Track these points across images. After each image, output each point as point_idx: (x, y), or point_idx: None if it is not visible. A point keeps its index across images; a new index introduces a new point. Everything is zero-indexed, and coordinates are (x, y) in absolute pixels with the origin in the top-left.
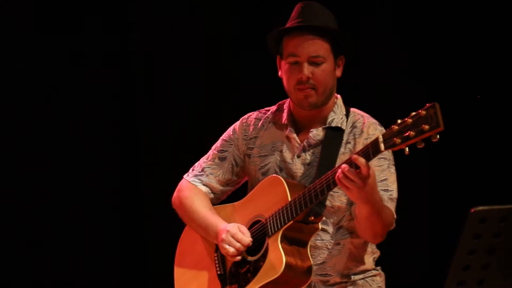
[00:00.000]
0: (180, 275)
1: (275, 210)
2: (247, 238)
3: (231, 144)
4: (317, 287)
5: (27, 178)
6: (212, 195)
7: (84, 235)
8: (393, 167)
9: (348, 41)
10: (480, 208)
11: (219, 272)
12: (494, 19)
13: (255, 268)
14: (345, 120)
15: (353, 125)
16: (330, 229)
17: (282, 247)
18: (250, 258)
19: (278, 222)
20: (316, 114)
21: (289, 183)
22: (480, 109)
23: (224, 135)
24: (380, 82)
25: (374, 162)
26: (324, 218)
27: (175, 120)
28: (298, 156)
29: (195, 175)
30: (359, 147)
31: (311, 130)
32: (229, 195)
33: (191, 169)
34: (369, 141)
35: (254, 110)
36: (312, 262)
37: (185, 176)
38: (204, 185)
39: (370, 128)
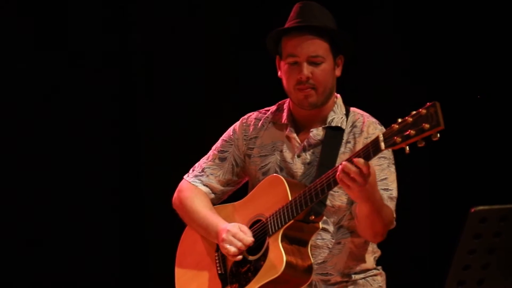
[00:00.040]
0: (181, 275)
1: (275, 209)
2: (248, 237)
3: (231, 145)
4: (318, 287)
5: (27, 178)
6: (212, 195)
7: (84, 235)
8: (393, 167)
9: (347, 41)
10: (480, 207)
11: (219, 272)
12: (494, 19)
13: (256, 268)
14: (345, 119)
15: (353, 125)
16: (331, 228)
17: (282, 246)
18: (250, 258)
19: (279, 221)
20: (316, 114)
21: (290, 183)
22: (480, 109)
23: (224, 136)
24: (379, 82)
25: (374, 162)
26: (324, 217)
27: (175, 120)
28: (299, 156)
29: (195, 176)
30: (359, 146)
31: (311, 129)
32: (230, 195)
33: (191, 169)
34: (369, 140)
35: (254, 110)
36: (312, 261)
37: (185, 176)
38: (204, 185)
39: (370, 127)
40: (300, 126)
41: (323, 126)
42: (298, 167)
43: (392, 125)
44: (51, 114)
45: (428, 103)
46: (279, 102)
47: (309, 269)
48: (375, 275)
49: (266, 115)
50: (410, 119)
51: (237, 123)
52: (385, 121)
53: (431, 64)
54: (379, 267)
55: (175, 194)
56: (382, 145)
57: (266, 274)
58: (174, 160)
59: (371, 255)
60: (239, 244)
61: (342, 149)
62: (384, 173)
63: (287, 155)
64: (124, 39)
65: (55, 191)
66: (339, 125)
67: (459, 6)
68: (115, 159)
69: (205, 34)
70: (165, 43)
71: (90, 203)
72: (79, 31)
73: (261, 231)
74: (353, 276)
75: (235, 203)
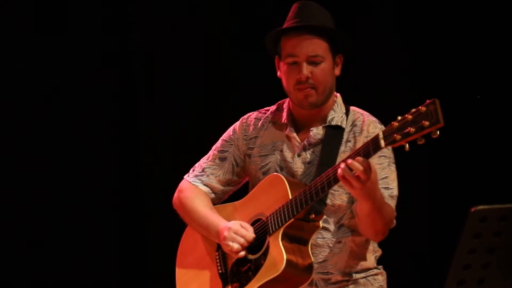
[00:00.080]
0: (182, 275)
1: (276, 208)
2: (250, 233)
3: (231, 144)
4: (319, 285)
5: (27, 178)
6: (213, 195)
7: (84, 235)
8: (394, 165)
9: (345, 40)
10: (481, 207)
11: (220, 271)
12: (494, 19)
13: (256, 267)
14: (345, 118)
15: (353, 124)
16: (331, 227)
17: (283, 245)
18: (251, 257)
19: (279, 220)
20: (316, 113)
21: (290, 182)
22: (480, 109)
23: (224, 136)
24: (379, 81)
25: (374, 160)
26: (325, 216)
27: (175, 120)
28: (299, 155)
29: (196, 176)
30: (360, 145)
31: (311, 129)
32: (230, 195)
33: (191, 169)
34: (369, 139)
35: (254, 110)
36: (313, 260)
37: (185, 176)
38: (204, 185)
39: (370, 126)
40: (300, 125)
41: (323, 125)
42: (298, 166)
43: (392, 122)
44: (51, 114)
45: (427, 101)
46: (279, 102)
47: (309, 268)
48: (376, 274)
49: (266, 115)
50: (410, 117)
51: (237, 123)
52: (384, 121)
53: (430, 63)
54: (380, 267)
55: (176, 194)
56: (382, 142)
57: (267, 273)
58: (174, 160)
59: (372, 254)
60: (242, 240)
61: (342, 148)
62: (385, 171)
63: (287, 154)
64: (124, 39)
65: (55, 191)
66: (339, 124)
67: (459, 6)
68: (115, 159)
69: (205, 34)
70: (165, 43)
71: (90, 203)
72: (79, 31)
73: (261, 230)
74: (354, 275)
75: (235, 202)
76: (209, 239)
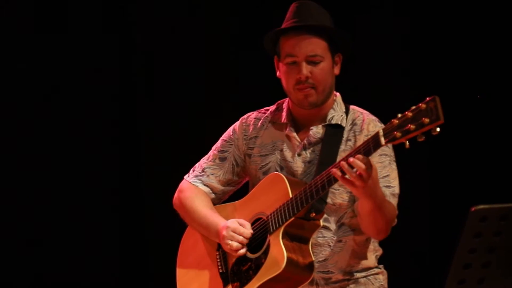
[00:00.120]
0: (182, 275)
1: (276, 207)
2: (248, 230)
3: (231, 144)
4: (319, 284)
5: (27, 178)
6: (213, 195)
7: (84, 235)
8: (394, 164)
9: (344, 39)
10: (481, 206)
11: (221, 271)
12: (494, 19)
13: (257, 265)
14: (345, 117)
15: (353, 122)
16: (332, 226)
17: (283, 244)
18: (251, 256)
19: (280, 219)
20: (316, 113)
21: (290, 180)
22: (480, 108)
23: (224, 136)
24: (378, 81)
25: (375, 159)
26: (325, 215)
27: (175, 120)
28: (299, 155)
29: (196, 176)
30: (360, 144)
31: (311, 128)
32: (230, 195)
33: (191, 169)
34: (369, 137)
35: (254, 110)
36: (313, 259)
37: (185, 176)
38: (204, 185)
39: (370, 125)
40: (299, 125)
41: (323, 124)
42: (298, 165)
43: (392, 120)
44: (51, 114)
45: (427, 98)
46: (278, 102)
47: (310, 267)
48: (377, 273)
49: (265, 115)
50: (410, 114)
51: (237, 123)
52: (384, 120)
53: (430, 63)
54: (381, 266)
55: (176, 195)
56: (382, 140)
57: (268, 272)
58: (174, 160)
59: (373, 253)
60: (240, 238)
61: (342, 147)
62: (386, 170)
63: (287, 154)
64: (124, 39)
65: (55, 191)
66: (339, 122)
67: (459, 5)
68: (115, 159)
69: (205, 34)
70: (165, 43)
71: (90, 203)
72: (79, 31)
73: (262, 229)
74: (354, 274)
75: (235, 202)
76: (209, 239)
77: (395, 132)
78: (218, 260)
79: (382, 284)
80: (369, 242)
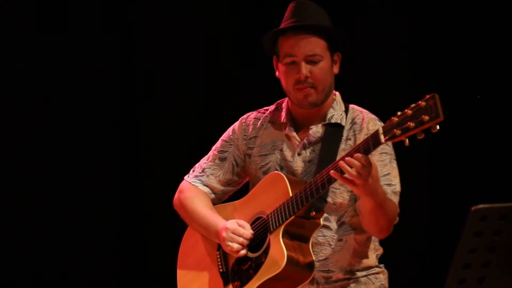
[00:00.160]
0: (183, 275)
1: (276, 206)
2: (248, 231)
3: (231, 145)
4: (320, 283)
5: (27, 178)
6: (213, 195)
7: (84, 235)
8: (395, 162)
9: (343, 37)
10: (481, 206)
11: (221, 270)
12: (494, 19)
13: (257, 265)
14: (345, 116)
15: (352, 121)
16: (333, 225)
17: (283, 242)
18: (252, 255)
19: (280, 218)
20: (316, 112)
21: (290, 179)
22: (480, 108)
23: (224, 136)
24: (377, 80)
25: (376, 157)
26: (326, 214)
27: (175, 120)
28: (299, 154)
29: (196, 176)
30: None
31: (311, 127)
32: (230, 195)
33: (191, 170)
34: (369, 135)
35: (254, 110)
36: (314, 258)
37: (185, 177)
38: (204, 185)
39: (370, 123)
40: (299, 124)
41: (322, 123)
42: (298, 165)
43: (392, 118)
44: (51, 114)
45: (427, 95)
46: (278, 102)
47: (310, 266)
48: (378, 273)
49: (265, 115)
50: (410, 112)
51: (237, 123)
52: (383, 119)
53: (429, 62)
54: (382, 265)
55: (176, 195)
56: (382, 138)
57: (268, 271)
58: (174, 160)
59: (373, 252)
60: (240, 239)
61: (342, 146)
62: (387, 168)
63: (287, 153)
64: (124, 39)
65: (55, 191)
66: (339, 121)
67: (458, 5)
68: (115, 159)
69: (205, 34)
70: (165, 43)
71: (90, 203)
72: (79, 31)
73: (262, 228)
74: (355, 273)
75: (235, 202)
76: (209, 239)
77: (395, 130)
78: (219, 260)
79: (382, 284)
80: (369, 241)
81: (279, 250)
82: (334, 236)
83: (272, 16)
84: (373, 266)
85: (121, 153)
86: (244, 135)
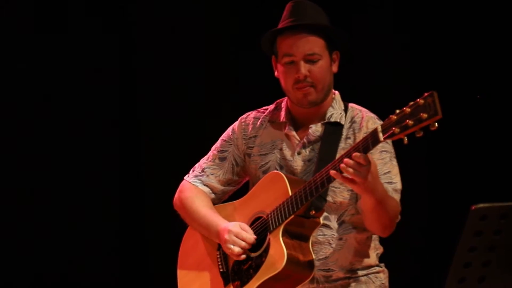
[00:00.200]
0: (183, 275)
1: (276, 205)
2: (251, 236)
3: (231, 144)
4: (320, 282)
5: (27, 178)
6: (213, 195)
7: (84, 235)
8: (395, 160)
9: (341, 36)
10: (481, 205)
11: (221, 270)
12: (494, 18)
13: (257, 264)
14: (344, 115)
15: (352, 120)
16: (333, 224)
17: (283, 241)
18: (252, 255)
19: (279, 217)
20: (315, 111)
21: (290, 179)
22: (480, 107)
23: (224, 136)
24: (376, 80)
25: (376, 156)
26: (326, 213)
27: (175, 120)
28: (299, 153)
29: (196, 176)
30: None
31: (310, 126)
32: (230, 195)
33: (191, 170)
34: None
35: (254, 110)
36: (314, 257)
37: (185, 177)
38: (204, 185)
39: (369, 122)
40: (298, 123)
41: (322, 122)
42: (298, 164)
43: (390, 116)
44: (51, 114)
45: (425, 93)
46: (277, 101)
47: (310, 265)
48: (378, 272)
49: (264, 114)
50: (408, 110)
51: (236, 123)
52: (383, 118)
53: (429, 62)
54: (382, 264)
55: (176, 195)
56: (381, 136)
57: (268, 270)
58: (174, 160)
59: (374, 251)
60: (243, 243)
61: (341, 144)
62: (387, 166)
63: (287, 153)
64: (124, 39)
65: (55, 191)
66: (338, 120)
67: (458, 5)
68: (115, 159)
69: (205, 34)
70: (165, 43)
71: (90, 203)
72: (79, 31)
73: (262, 227)
74: (355, 272)
75: (235, 201)
76: (210, 239)
77: (394, 128)
78: (219, 260)
79: (383, 283)
80: (370, 240)
81: (279, 250)
82: (334, 235)
83: (272, 16)
84: (374, 265)
85: (121, 153)
86: (244, 134)
